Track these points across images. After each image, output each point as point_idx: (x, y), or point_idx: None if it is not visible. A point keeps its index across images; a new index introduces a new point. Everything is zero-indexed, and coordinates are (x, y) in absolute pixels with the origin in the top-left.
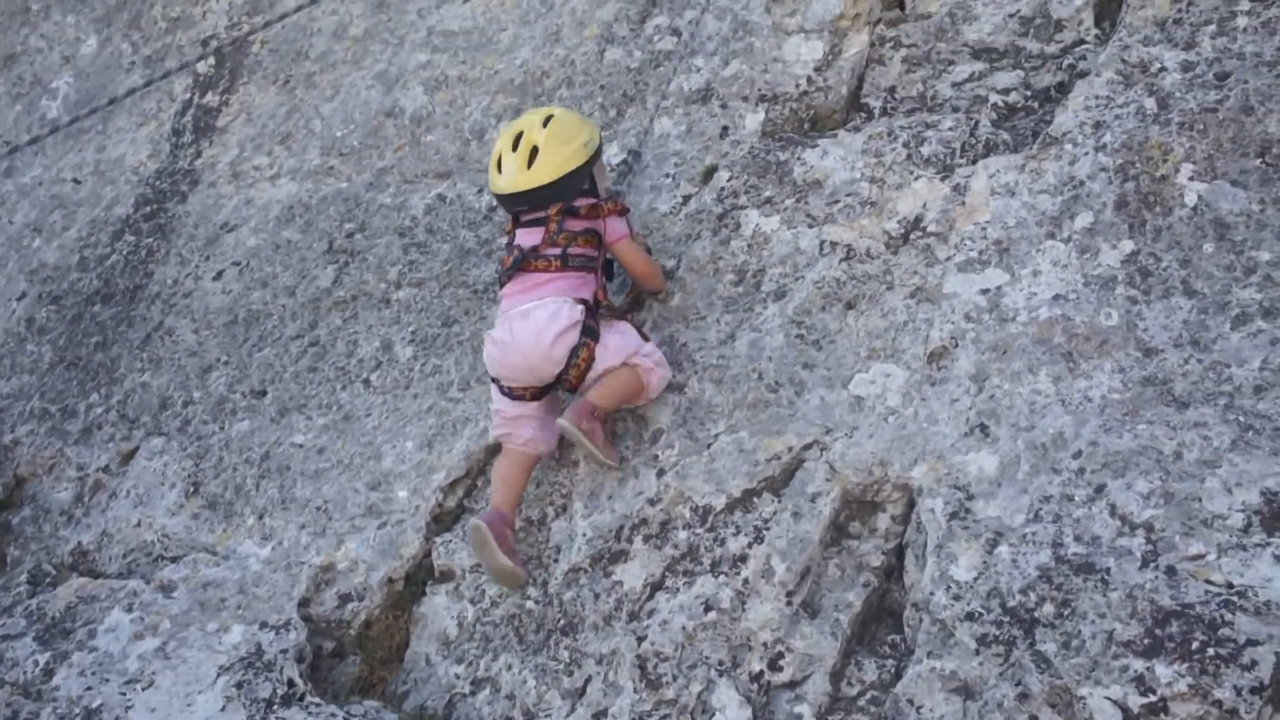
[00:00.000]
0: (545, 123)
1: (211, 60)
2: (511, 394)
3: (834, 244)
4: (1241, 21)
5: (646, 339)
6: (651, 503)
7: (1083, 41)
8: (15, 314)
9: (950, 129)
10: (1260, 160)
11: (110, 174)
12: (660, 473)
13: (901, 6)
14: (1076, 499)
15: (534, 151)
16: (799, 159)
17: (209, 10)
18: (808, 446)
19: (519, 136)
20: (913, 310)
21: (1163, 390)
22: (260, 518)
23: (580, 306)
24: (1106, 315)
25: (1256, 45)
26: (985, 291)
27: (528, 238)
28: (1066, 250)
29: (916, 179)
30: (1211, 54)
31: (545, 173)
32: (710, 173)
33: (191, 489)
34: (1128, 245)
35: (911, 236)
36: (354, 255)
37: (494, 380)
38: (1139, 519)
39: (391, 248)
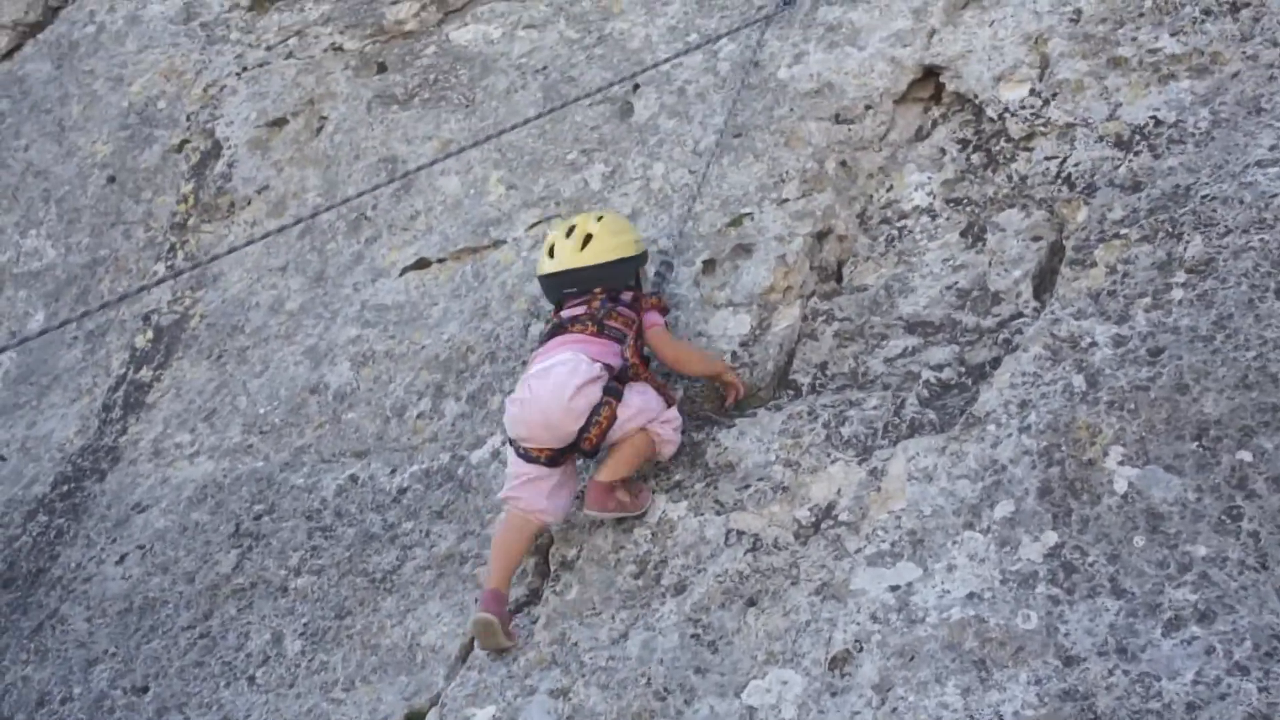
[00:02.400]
0: (598, 219)
1: (150, 334)
2: (528, 456)
3: (741, 533)
4: (1177, 294)
5: (673, 400)
6: None
7: (1021, 314)
8: None
9: (875, 408)
10: (1196, 444)
11: (35, 451)
12: None
13: (838, 279)
14: None
15: (588, 237)
16: (713, 439)
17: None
18: None
19: (572, 229)
20: (817, 609)
21: (1083, 707)
22: None
23: (599, 365)
24: (1024, 617)
25: (1191, 319)
26: (895, 589)
27: (570, 311)
28: (985, 542)
29: (834, 462)
30: (1145, 328)
31: (598, 254)
32: None
33: None
34: (1051, 537)
35: (822, 525)
36: (259, 539)
37: (510, 443)
38: None
39: (297, 531)
